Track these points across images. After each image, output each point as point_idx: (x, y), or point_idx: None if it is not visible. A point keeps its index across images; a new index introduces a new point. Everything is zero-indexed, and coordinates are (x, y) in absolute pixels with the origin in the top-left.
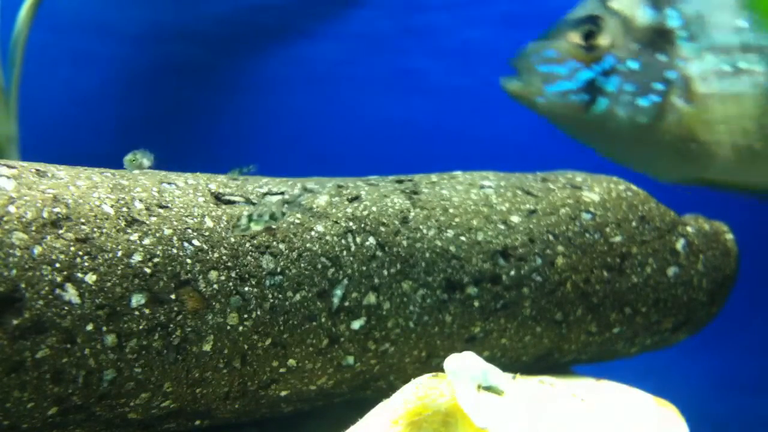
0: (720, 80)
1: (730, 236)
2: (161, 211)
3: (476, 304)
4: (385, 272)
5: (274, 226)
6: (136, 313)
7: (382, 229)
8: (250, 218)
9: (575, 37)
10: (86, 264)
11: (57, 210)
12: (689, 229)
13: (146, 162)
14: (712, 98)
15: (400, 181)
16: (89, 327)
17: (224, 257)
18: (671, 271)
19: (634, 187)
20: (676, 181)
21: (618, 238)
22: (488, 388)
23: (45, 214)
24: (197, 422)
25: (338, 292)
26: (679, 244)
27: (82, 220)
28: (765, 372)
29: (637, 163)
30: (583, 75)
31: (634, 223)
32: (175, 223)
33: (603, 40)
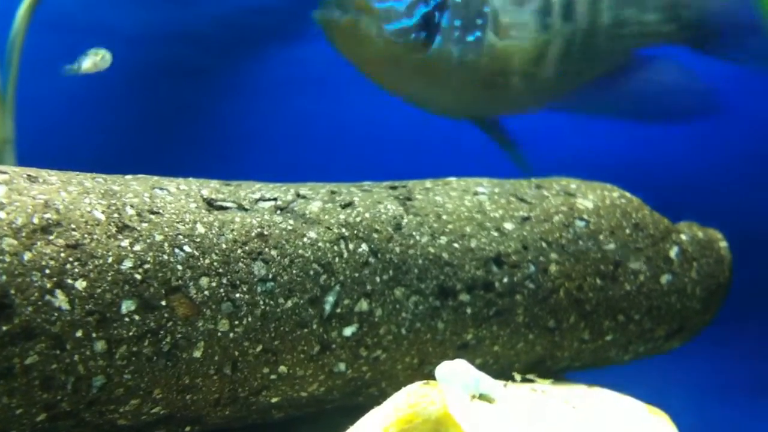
0: (513, 11)
1: (724, 244)
2: (152, 217)
3: (469, 311)
4: (378, 279)
5: (265, 233)
6: (126, 319)
7: (375, 235)
8: None
9: None
10: (76, 270)
11: (48, 216)
12: (683, 236)
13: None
14: (512, 28)
15: (393, 188)
16: (79, 333)
17: (215, 263)
18: (665, 278)
19: (627, 195)
20: (475, 119)
21: (611, 246)
22: (480, 396)
23: (35, 220)
24: (187, 428)
25: (330, 298)
26: (673, 252)
27: (73, 226)
28: (759, 377)
29: (445, 106)
30: (421, 10)
31: (627, 231)
32: (166, 229)
33: None
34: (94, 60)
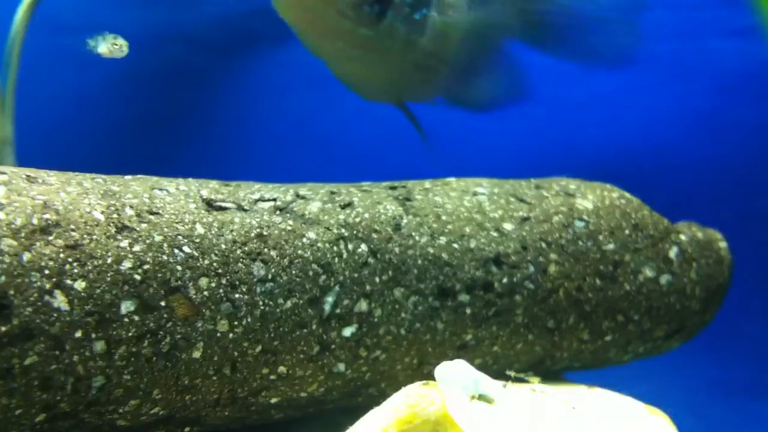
0: None
1: (723, 244)
2: (152, 217)
3: (468, 311)
4: (377, 279)
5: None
6: (126, 320)
7: (375, 235)
8: None
9: None
10: (76, 271)
11: (47, 216)
12: (682, 236)
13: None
14: (451, 7)
15: (393, 188)
16: (78, 334)
17: (215, 264)
18: (664, 278)
19: (627, 195)
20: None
21: (611, 246)
22: (479, 397)
23: (35, 221)
24: (186, 429)
25: (330, 299)
26: (672, 252)
27: (72, 227)
28: (759, 376)
29: (379, 87)
30: None
31: (627, 231)
32: (165, 229)
33: None
34: (111, 48)
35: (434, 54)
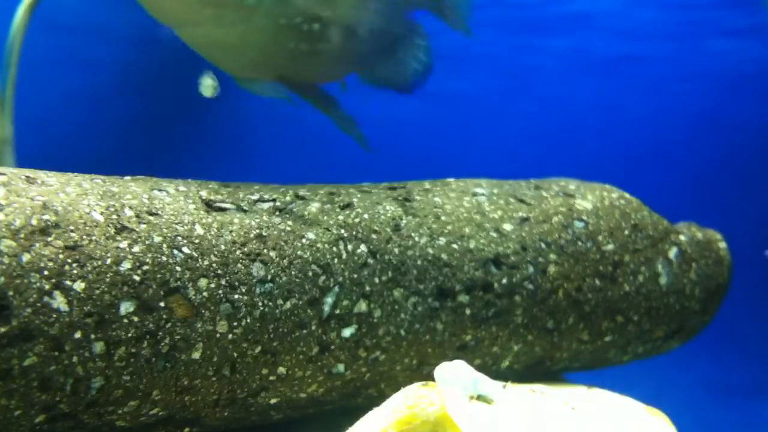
0: None
1: (723, 245)
2: (151, 218)
3: (468, 311)
4: (377, 280)
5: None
6: (125, 320)
7: (374, 236)
8: None
9: None
10: (75, 271)
11: (46, 217)
12: (682, 237)
13: (210, 84)
14: None
15: (392, 188)
16: (77, 335)
17: (214, 265)
18: (663, 279)
19: (627, 195)
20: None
21: (610, 247)
22: (479, 397)
23: (34, 222)
24: (186, 429)
25: (329, 299)
26: (672, 253)
27: (71, 228)
28: (758, 377)
29: (253, 59)
30: None
31: (626, 232)
32: (164, 230)
33: None
34: (214, 89)
35: (320, 18)
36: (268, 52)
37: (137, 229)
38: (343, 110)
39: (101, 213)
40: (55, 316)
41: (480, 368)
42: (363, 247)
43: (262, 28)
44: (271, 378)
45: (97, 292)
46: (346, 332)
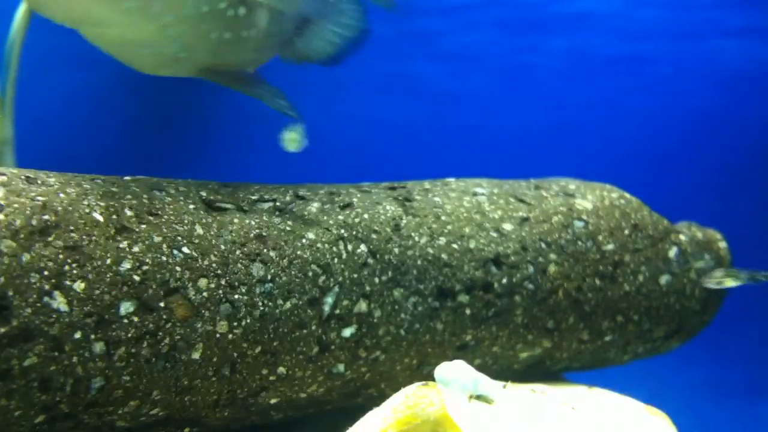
0: None
1: (723, 244)
2: (151, 218)
3: (468, 311)
4: (377, 280)
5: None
6: (125, 320)
7: (374, 236)
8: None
9: None
10: (75, 272)
11: (46, 217)
12: (682, 237)
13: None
14: None
15: (392, 188)
16: (77, 335)
17: (214, 265)
18: (664, 279)
19: (627, 195)
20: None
21: (610, 246)
22: (478, 397)
23: (34, 222)
24: (186, 430)
25: (329, 299)
26: (672, 252)
27: (72, 228)
28: (758, 377)
29: (167, 52)
30: None
31: (626, 231)
32: (164, 230)
33: None
34: (298, 144)
35: (244, 1)
36: (189, 46)
37: (137, 230)
38: (270, 85)
39: (101, 213)
40: (55, 316)
41: (480, 368)
42: (363, 247)
43: (183, 19)
44: (271, 378)
45: (97, 292)
46: (346, 332)
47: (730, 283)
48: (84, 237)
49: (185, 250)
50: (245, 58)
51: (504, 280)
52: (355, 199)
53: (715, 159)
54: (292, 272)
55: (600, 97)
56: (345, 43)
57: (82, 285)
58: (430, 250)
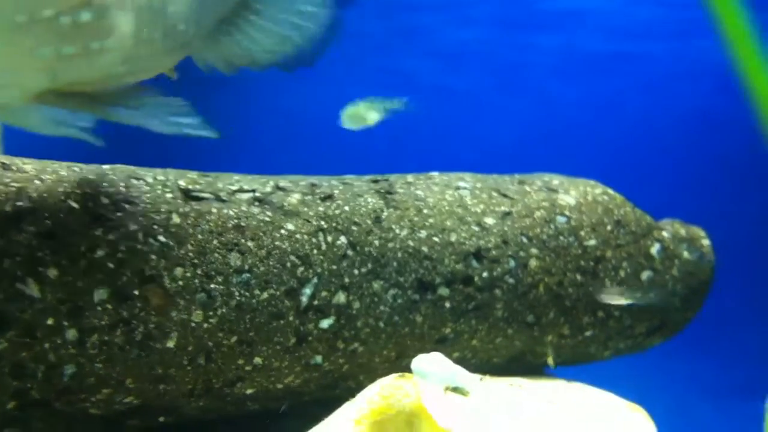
0: None
1: (706, 242)
2: (127, 206)
3: (448, 305)
4: (356, 272)
5: (243, 225)
6: (99, 308)
7: (354, 228)
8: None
9: None
10: (48, 258)
11: (20, 203)
12: (665, 234)
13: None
14: None
15: (375, 181)
16: (50, 321)
17: (191, 254)
18: (645, 275)
19: (610, 191)
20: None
21: (592, 242)
22: (454, 389)
23: (8, 208)
24: (161, 419)
25: (307, 290)
26: (654, 249)
27: (46, 215)
28: (749, 377)
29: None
30: None
31: (609, 227)
32: (141, 219)
33: None
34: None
35: (89, 3)
36: (8, 67)
37: (113, 217)
38: (164, 98)
39: (77, 201)
40: (27, 302)
41: (459, 361)
42: (343, 239)
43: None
44: (248, 368)
45: (71, 279)
46: (324, 323)
47: (623, 301)
48: (58, 224)
49: (161, 238)
50: (107, 73)
51: (485, 274)
52: (336, 191)
53: (710, 158)
54: (270, 263)
55: (593, 95)
56: (307, 38)
57: (56, 272)
58: (411, 243)
